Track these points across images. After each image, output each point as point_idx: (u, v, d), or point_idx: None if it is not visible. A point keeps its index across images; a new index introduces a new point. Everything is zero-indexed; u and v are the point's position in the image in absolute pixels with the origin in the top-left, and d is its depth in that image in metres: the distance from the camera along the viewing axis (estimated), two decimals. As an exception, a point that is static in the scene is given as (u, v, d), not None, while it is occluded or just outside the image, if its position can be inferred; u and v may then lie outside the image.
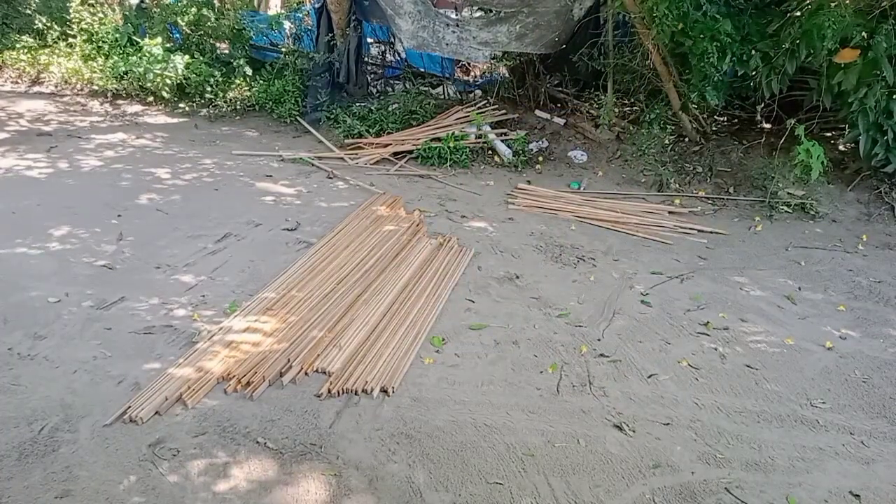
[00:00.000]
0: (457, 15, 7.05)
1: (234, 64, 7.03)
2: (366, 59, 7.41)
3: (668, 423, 2.52)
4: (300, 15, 7.80)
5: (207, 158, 5.62)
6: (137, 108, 7.03)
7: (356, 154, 5.89)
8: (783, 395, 2.73)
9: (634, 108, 5.93)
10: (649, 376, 2.82)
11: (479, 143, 6.04)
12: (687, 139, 5.58)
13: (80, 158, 5.35)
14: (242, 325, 2.98)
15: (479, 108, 6.47)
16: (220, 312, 3.15)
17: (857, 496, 2.19)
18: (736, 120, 5.84)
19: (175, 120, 6.79)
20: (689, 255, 4.10)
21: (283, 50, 7.28)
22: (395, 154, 5.91)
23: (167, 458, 2.21)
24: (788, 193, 4.84)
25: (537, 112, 6.56)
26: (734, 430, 2.50)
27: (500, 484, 2.18)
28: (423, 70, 7.77)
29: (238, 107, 6.97)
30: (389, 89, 7.30)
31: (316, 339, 2.89)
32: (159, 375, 2.61)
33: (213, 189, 4.90)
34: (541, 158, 5.87)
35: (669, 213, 4.76)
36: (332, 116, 6.48)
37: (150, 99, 7.04)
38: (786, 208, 4.76)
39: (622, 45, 6.01)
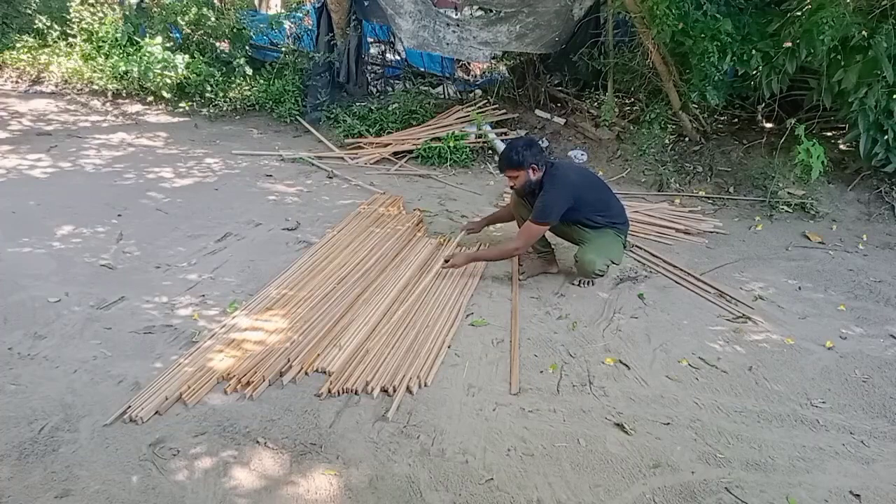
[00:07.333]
0: (457, 14, 7.05)
1: (234, 63, 7.04)
2: (366, 58, 7.41)
3: (668, 423, 2.52)
4: (300, 15, 7.81)
5: (208, 158, 5.63)
6: (138, 107, 7.04)
7: (356, 154, 5.89)
8: (783, 395, 2.72)
9: (634, 107, 5.93)
10: (650, 376, 2.82)
11: (479, 142, 6.04)
12: (687, 139, 5.57)
13: (80, 158, 5.36)
14: (242, 325, 2.99)
15: (479, 107, 6.47)
16: (220, 312, 3.16)
17: (858, 496, 2.19)
18: (736, 120, 5.84)
19: (175, 119, 6.80)
20: (690, 254, 4.10)
21: (283, 49, 7.29)
22: (395, 154, 5.91)
23: (167, 457, 2.21)
24: (789, 193, 4.83)
25: (537, 111, 6.55)
26: (734, 429, 2.50)
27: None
28: (423, 70, 7.77)
29: (238, 106, 6.98)
30: (389, 89, 7.30)
31: (316, 339, 2.89)
32: (159, 375, 2.61)
33: (213, 189, 4.90)
34: (541, 158, 5.86)
35: (670, 212, 4.76)
36: (332, 116, 6.48)
37: (151, 98, 7.05)
38: (786, 208, 4.76)
39: (622, 44, 6.01)
